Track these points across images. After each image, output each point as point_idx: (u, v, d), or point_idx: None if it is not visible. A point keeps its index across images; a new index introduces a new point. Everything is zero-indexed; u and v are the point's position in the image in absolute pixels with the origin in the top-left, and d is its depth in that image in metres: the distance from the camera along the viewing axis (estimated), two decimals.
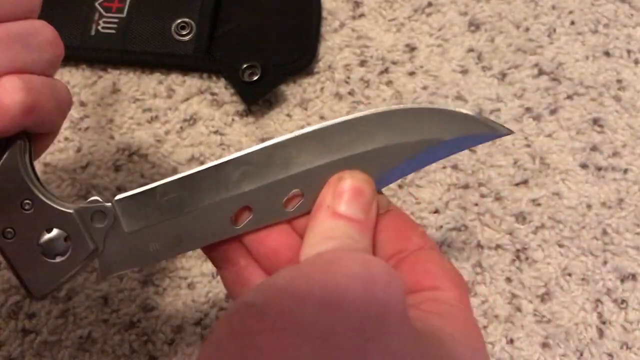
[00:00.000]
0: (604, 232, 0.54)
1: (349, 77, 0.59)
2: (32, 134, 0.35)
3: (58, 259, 0.34)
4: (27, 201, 0.34)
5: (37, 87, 0.33)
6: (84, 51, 0.58)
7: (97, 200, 0.35)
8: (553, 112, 0.58)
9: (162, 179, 0.54)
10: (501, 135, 0.37)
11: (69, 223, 0.34)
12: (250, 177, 0.36)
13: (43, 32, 0.34)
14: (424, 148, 0.36)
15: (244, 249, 0.37)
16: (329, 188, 0.36)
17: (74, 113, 0.57)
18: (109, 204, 0.35)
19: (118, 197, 0.35)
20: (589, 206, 0.55)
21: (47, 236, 0.34)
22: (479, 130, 0.37)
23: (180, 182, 0.36)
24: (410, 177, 0.55)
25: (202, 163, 0.56)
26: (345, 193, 0.35)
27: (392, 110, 0.36)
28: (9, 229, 0.33)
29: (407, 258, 0.36)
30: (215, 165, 0.36)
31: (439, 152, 0.37)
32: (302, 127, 0.57)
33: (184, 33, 0.58)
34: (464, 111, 0.37)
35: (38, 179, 0.35)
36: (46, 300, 0.50)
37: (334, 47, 0.60)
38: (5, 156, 0.33)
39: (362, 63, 0.59)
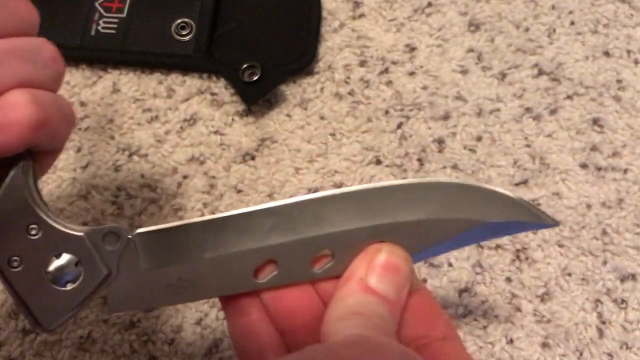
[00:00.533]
0: (604, 232, 0.54)
1: (348, 77, 0.59)
2: (36, 152, 0.33)
3: (69, 287, 0.32)
4: (34, 226, 0.31)
5: (45, 102, 0.32)
6: (84, 51, 0.58)
7: (114, 227, 0.33)
8: (553, 112, 0.58)
9: (162, 179, 0.55)
10: (547, 226, 0.36)
11: (79, 247, 0.32)
12: (281, 230, 0.34)
13: (45, 48, 0.34)
14: (466, 227, 0.35)
15: (258, 301, 0.36)
16: (364, 258, 0.34)
17: None
18: (130, 236, 0.33)
19: (140, 230, 0.34)
20: (588, 206, 0.55)
21: (56, 262, 0.32)
22: (525, 217, 0.35)
23: (207, 225, 0.34)
24: (410, 176, 0.55)
25: (202, 163, 0.56)
26: (381, 268, 0.34)
27: (437, 182, 0.35)
28: (14, 257, 0.31)
29: (430, 346, 0.34)
30: (246, 213, 0.34)
31: (480, 234, 0.35)
32: (302, 127, 0.57)
33: (184, 33, 0.58)
34: (512, 195, 0.35)
35: (43, 200, 0.33)
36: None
37: (334, 47, 0.60)
38: (8, 178, 0.31)
39: (362, 63, 0.59)
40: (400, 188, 0.35)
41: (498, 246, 0.53)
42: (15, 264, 0.31)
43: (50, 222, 0.32)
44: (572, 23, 0.61)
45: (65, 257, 0.32)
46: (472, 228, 0.35)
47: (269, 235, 0.34)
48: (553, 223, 0.36)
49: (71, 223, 0.33)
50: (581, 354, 0.51)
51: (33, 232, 0.31)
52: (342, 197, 0.35)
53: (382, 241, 0.35)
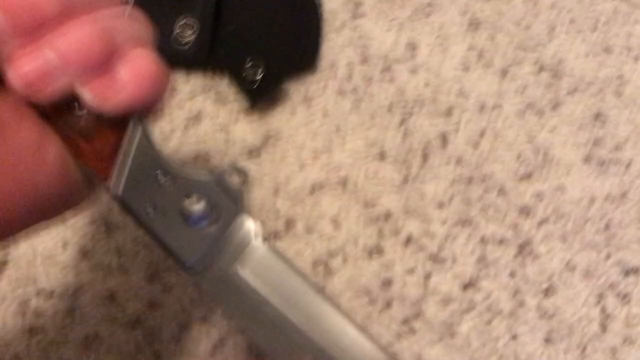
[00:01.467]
0: (607, 226, 0.54)
1: (351, 75, 0.59)
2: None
3: (203, 226, 0.34)
4: (162, 174, 0.33)
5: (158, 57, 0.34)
6: None
7: (236, 166, 0.35)
8: (555, 107, 0.58)
9: None
10: None
11: (206, 189, 0.34)
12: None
13: (135, 13, 0.35)
14: None
15: None
16: None
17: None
18: (266, 241, 0.36)
19: (263, 240, 0.36)
20: (592, 200, 0.55)
21: (188, 205, 0.34)
22: None
23: (300, 288, 0.36)
24: (414, 171, 0.55)
25: (207, 161, 0.56)
26: None
27: None
28: (150, 205, 0.33)
29: None
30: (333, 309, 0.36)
31: None
32: (306, 124, 0.57)
33: (188, 33, 0.59)
34: None
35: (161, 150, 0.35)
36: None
37: (336, 46, 0.60)
38: (132, 133, 0.33)
39: (364, 61, 0.60)
40: None
41: (501, 241, 0.54)
42: (151, 211, 0.33)
43: (176, 168, 0.33)
44: (572, 21, 0.62)
45: (195, 200, 0.34)
46: None
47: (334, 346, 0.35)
48: None
49: (194, 168, 0.35)
50: (584, 349, 0.51)
51: (163, 180, 0.33)
52: None
53: None
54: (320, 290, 0.36)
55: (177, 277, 0.52)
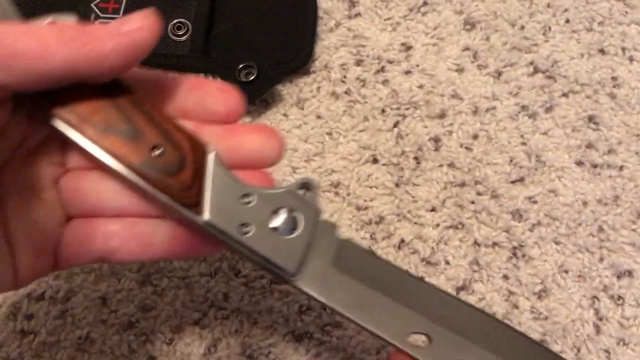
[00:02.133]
0: (600, 229, 0.54)
1: (345, 77, 0.59)
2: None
3: (296, 233, 0.36)
4: (246, 195, 0.36)
5: None
6: None
7: (305, 179, 0.38)
8: (549, 110, 0.58)
9: None
10: None
11: (287, 199, 0.37)
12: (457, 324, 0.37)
13: None
14: None
15: None
16: None
17: None
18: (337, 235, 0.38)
19: (344, 238, 0.38)
20: (584, 203, 0.55)
21: (277, 218, 0.36)
22: None
23: (395, 273, 0.38)
24: (407, 175, 0.55)
25: None
26: None
27: None
28: (244, 225, 0.35)
29: None
30: (443, 294, 0.38)
31: None
32: (299, 127, 0.57)
33: (180, 33, 0.58)
34: None
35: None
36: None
37: (330, 46, 0.60)
38: (211, 163, 0.35)
39: (358, 62, 0.59)
40: None
41: (495, 244, 0.53)
42: (247, 231, 0.35)
43: (256, 189, 0.36)
44: (567, 21, 0.61)
45: (282, 211, 0.36)
46: None
47: (445, 317, 0.37)
48: None
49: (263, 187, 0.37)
50: (579, 351, 0.51)
51: (247, 199, 0.36)
52: None
53: None
54: (408, 273, 0.39)
55: (168, 280, 0.52)
